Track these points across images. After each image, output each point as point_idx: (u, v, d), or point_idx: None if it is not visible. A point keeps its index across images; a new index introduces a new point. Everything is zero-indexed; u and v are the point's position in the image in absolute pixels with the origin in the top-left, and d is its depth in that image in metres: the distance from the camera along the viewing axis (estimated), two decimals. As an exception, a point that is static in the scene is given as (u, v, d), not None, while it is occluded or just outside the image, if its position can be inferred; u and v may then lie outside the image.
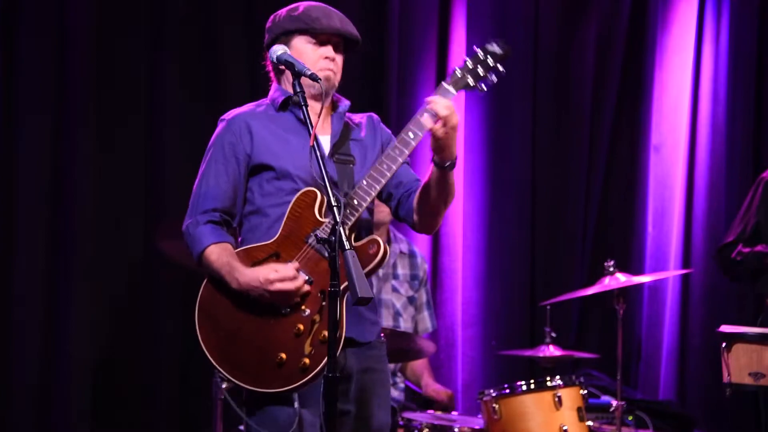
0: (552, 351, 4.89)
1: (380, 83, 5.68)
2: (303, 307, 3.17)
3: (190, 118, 5.18)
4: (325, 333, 3.06)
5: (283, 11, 3.38)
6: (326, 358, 3.01)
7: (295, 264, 3.17)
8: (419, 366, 5.04)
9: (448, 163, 3.17)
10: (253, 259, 3.21)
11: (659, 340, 5.92)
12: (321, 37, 3.33)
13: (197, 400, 5.00)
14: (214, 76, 5.32)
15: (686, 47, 6.04)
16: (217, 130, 3.34)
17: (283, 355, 3.16)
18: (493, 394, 4.44)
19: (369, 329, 3.32)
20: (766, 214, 4.79)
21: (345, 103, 3.41)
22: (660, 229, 6.01)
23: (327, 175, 2.94)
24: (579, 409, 4.46)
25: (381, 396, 3.31)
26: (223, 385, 4.15)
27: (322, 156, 2.98)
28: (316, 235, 3.15)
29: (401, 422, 4.58)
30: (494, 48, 3.22)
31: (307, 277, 3.16)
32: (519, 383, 4.46)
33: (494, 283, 5.88)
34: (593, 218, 6.06)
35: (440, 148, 3.16)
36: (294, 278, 3.14)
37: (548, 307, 4.94)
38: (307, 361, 3.13)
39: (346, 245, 2.82)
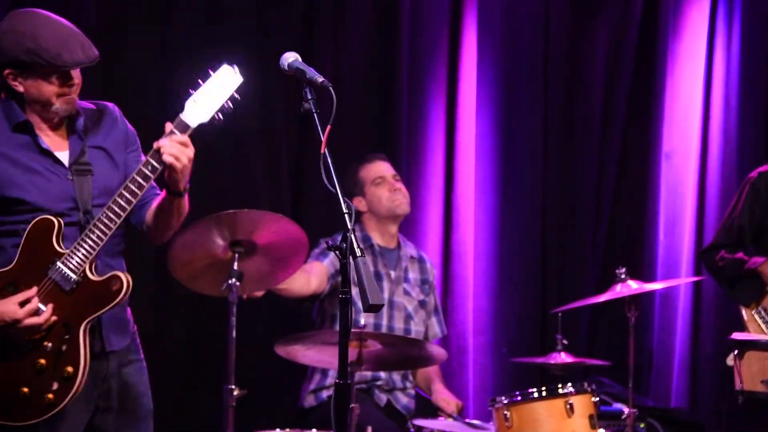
0: (563, 358, 4.88)
1: (391, 86, 5.69)
2: (45, 343, 3.18)
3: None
4: (69, 369, 3.14)
5: (10, 32, 3.17)
6: (71, 395, 3.13)
7: (32, 293, 3.15)
8: (430, 372, 5.04)
9: (180, 191, 3.22)
10: None
11: (671, 348, 5.91)
12: (63, 71, 3.20)
13: (207, 407, 5.01)
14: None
15: (698, 54, 6.03)
16: None
17: (25, 390, 3.18)
18: (505, 402, 4.44)
19: (125, 332, 3.38)
20: (750, 217, 4.78)
21: (80, 120, 3.33)
22: (671, 236, 6.00)
23: (334, 184, 2.92)
24: (591, 417, 4.46)
25: (141, 384, 3.40)
26: (235, 393, 4.16)
27: (330, 165, 2.97)
28: (65, 264, 3.15)
29: (412, 429, 4.58)
30: (228, 73, 3.18)
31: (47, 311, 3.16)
32: (531, 390, 4.45)
33: (505, 290, 5.88)
34: (604, 225, 6.05)
35: (173, 180, 3.19)
36: (39, 311, 3.14)
37: (559, 315, 4.94)
38: (51, 396, 3.16)
39: (358, 252, 2.83)
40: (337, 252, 2.85)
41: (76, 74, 3.23)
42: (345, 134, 5.40)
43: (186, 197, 3.27)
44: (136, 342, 3.45)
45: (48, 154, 3.26)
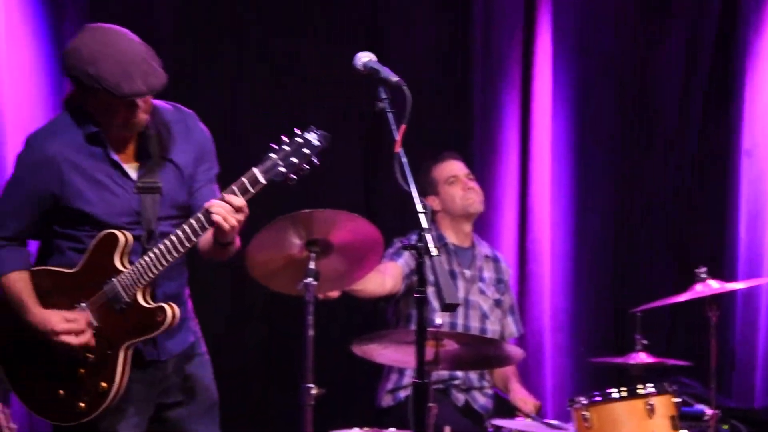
0: (643, 358, 4.81)
1: (464, 84, 5.66)
2: (88, 354, 3.27)
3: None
4: (103, 384, 3.23)
5: (74, 53, 3.20)
6: (102, 408, 3.22)
7: (86, 315, 3.25)
8: (507, 371, 5.00)
9: (226, 244, 3.25)
10: (46, 284, 3.29)
11: (754, 347, 5.79)
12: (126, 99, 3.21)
13: (283, 407, 5.03)
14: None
15: (779, 50, 5.92)
16: (25, 154, 3.31)
17: (62, 392, 3.28)
18: (584, 402, 4.39)
19: (184, 333, 3.43)
20: None
21: (151, 132, 3.33)
22: (753, 234, 5.89)
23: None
24: (672, 418, 4.39)
25: (205, 377, 3.48)
26: (313, 392, 4.16)
27: (405, 165, 2.96)
28: (120, 284, 3.23)
29: (490, 429, 4.55)
30: (313, 138, 3.15)
31: (95, 324, 3.25)
32: (610, 390, 4.40)
33: (582, 289, 5.82)
34: (683, 223, 5.96)
35: (219, 235, 3.21)
36: (81, 332, 3.24)
37: (638, 314, 4.87)
38: (82, 405, 3.26)
39: (433, 252, 2.82)
40: (413, 251, 2.84)
41: (145, 102, 3.24)
42: (419, 133, 5.37)
43: (235, 241, 3.30)
44: (198, 337, 3.50)
45: (117, 167, 3.31)
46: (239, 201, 3.15)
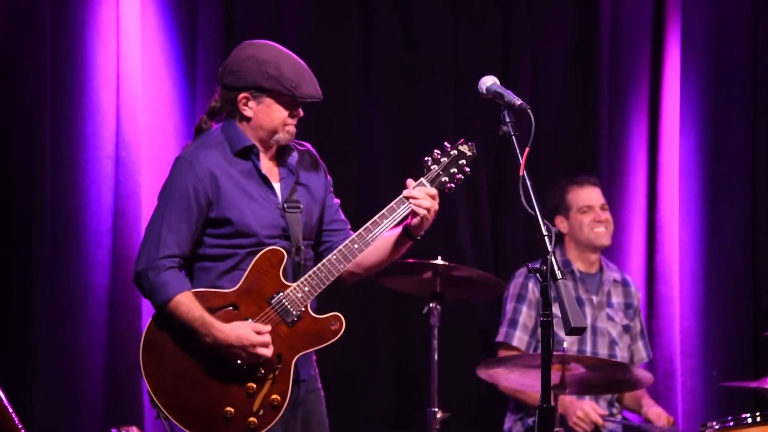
0: (778, 382, 4.68)
1: (591, 105, 5.61)
2: (260, 369, 3.29)
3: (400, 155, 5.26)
4: (276, 397, 3.27)
5: (251, 59, 3.33)
6: (274, 422, 3.25)
7: (268, 328, 3.27)
8: (638, 392, 4.91)
9: (419, 237, 3.39)
10: (209, 305, 3.28)
11: None
12: (296, 101, 3.35)
13: (412, 429, 5.05)
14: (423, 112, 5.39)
15: None
16: (178, 169, 3.35)
17: (231, 410, 3.28)
18: (716, 427, 4.29)
19: (311, 364, 3.46)
20: None
21: (294, 154, 3.44)
22: None
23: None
24: (809, 444, 4.26)
25: (320, 411, 3.49)
26: (438, 416, 4.18)
27: (530, 188, 2.96)
28: (288, 298, 3.28)
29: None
30: (465, 149, 3.39)
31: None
32: (744, 416, 4.29)
33: (714, 312, 5.69)
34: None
35: (418, 227, 3.35)
36: (270, 343, 3.27)
37: (773, 337, 4.75)
38: (254, 420, 3.28)
39: (558, 275, 2.81)
40: (538, 275, 2.84)
41: (301, 109, 3.39)
42: (545, 155, 5.37)
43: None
44: (317, 372, 3.55)
45: (265, 182, 3.38)
46: (433, 190, 3.35)
